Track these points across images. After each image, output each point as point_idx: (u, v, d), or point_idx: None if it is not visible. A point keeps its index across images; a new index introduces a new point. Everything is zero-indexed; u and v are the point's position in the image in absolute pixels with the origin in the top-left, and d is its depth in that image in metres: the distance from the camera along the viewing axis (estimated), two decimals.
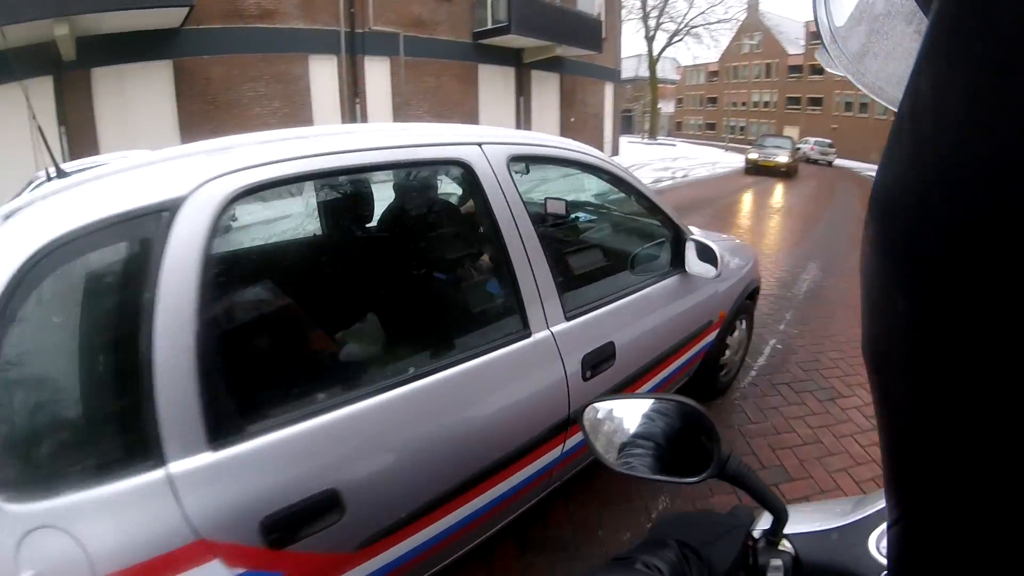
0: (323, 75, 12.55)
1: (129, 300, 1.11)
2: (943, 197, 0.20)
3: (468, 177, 1.75)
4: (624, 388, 2.10)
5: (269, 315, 1.52)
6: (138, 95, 10.36)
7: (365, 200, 2.25)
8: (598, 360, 1.94)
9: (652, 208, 2.52)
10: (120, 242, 1.14)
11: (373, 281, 1.95)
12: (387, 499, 1.37)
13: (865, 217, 0.26)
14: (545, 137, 2.16)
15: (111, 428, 1.11)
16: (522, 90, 16.82)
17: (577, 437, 1.88)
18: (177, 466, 1.08)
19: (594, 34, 17.21)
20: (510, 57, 16.04)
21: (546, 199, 2.92)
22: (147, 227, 1.14)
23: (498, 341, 1.68)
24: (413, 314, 1.89)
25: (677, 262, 2.51)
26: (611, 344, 2.00)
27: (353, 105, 13.08)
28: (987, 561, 0.23)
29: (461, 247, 2.24)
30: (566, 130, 17.78)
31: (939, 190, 0.21)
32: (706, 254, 2.41)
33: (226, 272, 1.29)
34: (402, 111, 13.65)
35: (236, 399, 1.20)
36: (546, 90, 17.58)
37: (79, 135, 9.76)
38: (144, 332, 1.08)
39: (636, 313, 2.21)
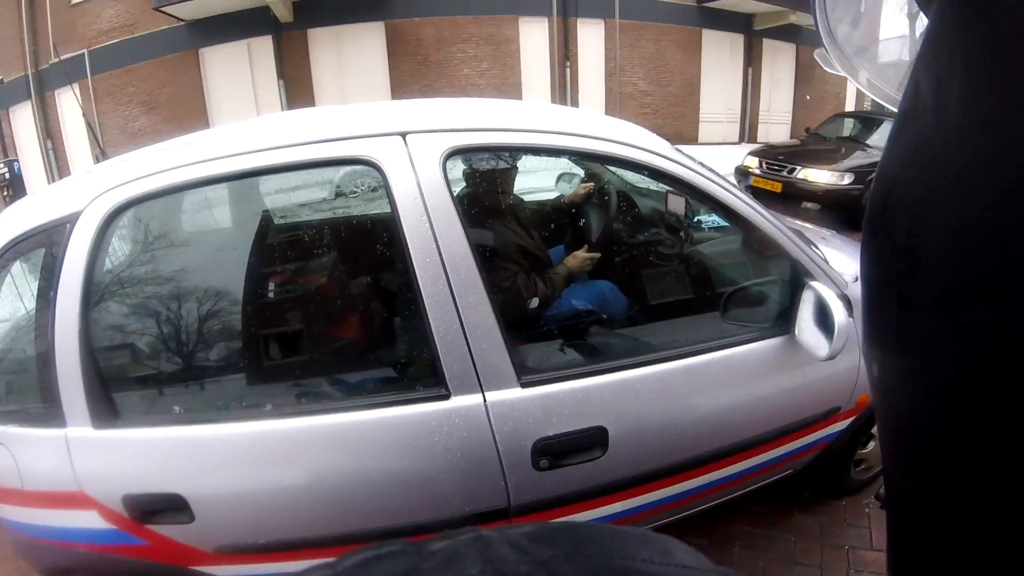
0: (533, 37, 12.40)
1: None
2: (942, 195, 0.20)
3: (377, 182, 1.24)
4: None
5: None
6: (352, 54, 11.14)
7: None
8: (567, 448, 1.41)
9: (749, 229, 1.71)
10: None
11: None
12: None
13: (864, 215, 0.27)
14: (539, 114, 1.64)
15: None
16: (751, 60, 14.86)
17: None
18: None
19: None
20: (738, 23, 14.18)
21: (667, 193, 2.19)
22: None
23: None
24: None
25: (787, 318, 1.69)
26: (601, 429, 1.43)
27: (563, 69, 12.74)
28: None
29: None
30: (800, 109, 15.43)
31: (938, 188, 0.21)
32: (823, 317, 1.55)
33: None
34: (615, 77, 13.07)
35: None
36: (779, 62, 15.19)
37: (297, 89, 10.80)
38: None
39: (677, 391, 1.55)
